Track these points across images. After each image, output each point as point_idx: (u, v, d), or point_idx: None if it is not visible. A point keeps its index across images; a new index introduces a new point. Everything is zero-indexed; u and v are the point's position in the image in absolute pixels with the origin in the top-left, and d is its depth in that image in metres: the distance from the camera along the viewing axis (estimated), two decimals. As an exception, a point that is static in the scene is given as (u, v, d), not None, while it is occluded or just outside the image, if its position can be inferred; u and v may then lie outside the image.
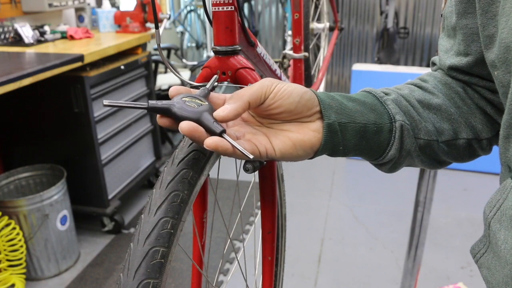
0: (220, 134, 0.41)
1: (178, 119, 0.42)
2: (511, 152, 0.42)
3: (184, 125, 0.40)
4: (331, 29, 1.49)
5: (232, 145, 0.41)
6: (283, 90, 0.44)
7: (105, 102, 0.41)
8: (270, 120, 0.46)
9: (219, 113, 0.42)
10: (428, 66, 4.08)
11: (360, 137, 0.47)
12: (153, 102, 0.42)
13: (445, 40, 0.57)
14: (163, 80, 3.55)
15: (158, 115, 0.43)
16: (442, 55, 0.57)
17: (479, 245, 0.46)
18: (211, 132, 0.41)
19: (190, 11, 4.95)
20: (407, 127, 0.49)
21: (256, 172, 0.60)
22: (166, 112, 0.42)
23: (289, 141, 0.44)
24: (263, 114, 0.46)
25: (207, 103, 0.43)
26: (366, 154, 0.50)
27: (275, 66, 0.78)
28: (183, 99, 0.43)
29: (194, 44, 5.03)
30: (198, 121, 0.42)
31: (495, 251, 0.42)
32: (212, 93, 0.47)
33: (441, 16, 0.60)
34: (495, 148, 0.53)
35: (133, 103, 0.42)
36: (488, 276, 0.43)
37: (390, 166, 0.51)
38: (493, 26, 0.44)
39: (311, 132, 0.45)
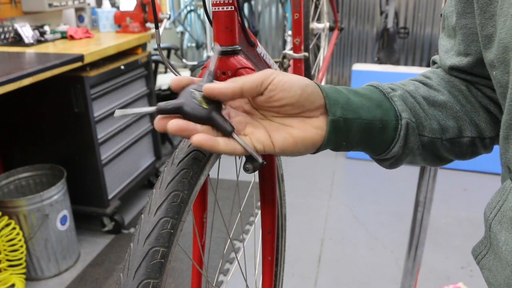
0: (230, 133, 0.42)
1: (189, 118, 0.41)
2: (511, 153, 0.42)
3: (173, 124, 0.39)
4: (331, 29, 1.49)
5: (241, 145, 0.42)
6: (284, 82, 0.43)
7: (117, 113, 0.40)
8: (272, 113, 0.45)
9: (207, 85, 0.41)
10: (428, 66, 4.08)
11: (364, 133, 0.46)
12: (162, 104, 0.41)
13: (445, 40, 0.57)
14: (163, 80, 3.55)
15: (160, 117, 0.41)
16: (443, 55, 0.56)
17: (480, 246, 0.45)
18: (221, 131, 0.42)
19: (190, 11, 4.95)
20: (413, 125, 0.48)
21: (256, 172, 0.60)
22: (177, 112, 0.41)
23: (290, 138, 0.43)
24: (265, 106, 0.44)
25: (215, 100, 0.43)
26: (369, 149, 0.49)
27: (275, 66, 0.78)
28: (193, 95, 0.42)
29: (194, 44, 5.03)
30: (208, 119, 0.41)
31: (496, 252, 0.42)
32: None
33: (441, 16, 0.59)
34: (496, 148, 0.53)
35: (142, 109, 0.41)
36: (489, 277, 0.43)
37: (391, 162, 0.51)
38: (491, 26, 0.44)
39: (313, 129, 0.44)
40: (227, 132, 0.42)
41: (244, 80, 0.42)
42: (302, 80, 0.44)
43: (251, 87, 0.42)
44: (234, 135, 0.42)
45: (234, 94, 0.42)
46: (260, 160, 0.42)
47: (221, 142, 0.41)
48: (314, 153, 0.47)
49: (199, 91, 0.42)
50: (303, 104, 0.44)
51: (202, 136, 0.39)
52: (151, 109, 0.41)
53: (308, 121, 0.44)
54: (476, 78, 0.53)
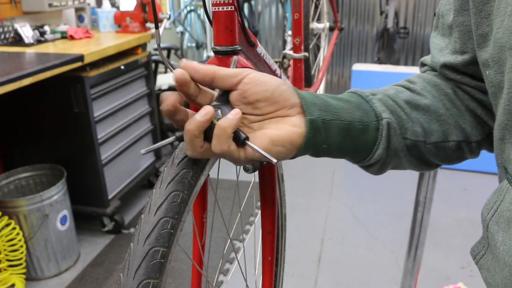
0: (243, 141, 0.42)
1: (208, 135, 0.42)
2: (507, 153, 0.42)
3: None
4: (331, 29, 1.49)
5: (257, 151, 0.42)
6: (259, 77, 0.43)
7: (143, 151, 0.44)
8: (250, 117, 0.45)
9: (183, 60, 0.43)
10: (428, 66, 4.06)
11: (345, 135, 0.46)
12: (180, 134, 0.43)
13: (438, 39, 0.56)
14: (163, 80, 3.55)
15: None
16: (436, 53, 0.56)
17: (479, 246, 0.45)
18: (234, 139, 0.42)
19: (190, 11, 4.95)
20: (394, 125, 0.48)
21: (256, 172, 0.60)
22: None
23: (266, 138, 0.43)
24: (240, 104, 0.44)
25: (225, 108, 0.44)
26: (352, 155, 0.48)
27: (275, 66, 0.78)
28: None
29: (194, 44, 5.03)
30: None
31: (494, 252, 0.42)
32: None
33: (434, 15, 0.59)
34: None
35: (164, 141, 0.44)
36: (488, 277, 0.43)
37: (379, 167, 0.50)
38: (486, 25, 0.44)
39: (289, 127, 0.43)
40: (241, 140, 0.42)
41: (219, 68, 0.43)
42: (278, 79, 0.45)
43: (224, 75, 0.43)
44: (249, 143, 0.42)
45: (205, 76, 0.43)
46: (274, 160, 0.43)
47: (242, 154, 0.43)
48: (294, 156, 0.45)
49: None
50: (277, 100, 0.43)
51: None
52: (171, 139, 0.44)
53: (284, 120, 0.44)
54: (466, 79, 0.53)
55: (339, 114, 0.45)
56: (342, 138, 0.45)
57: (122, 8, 2.98)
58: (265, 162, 0.50)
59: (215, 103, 0.44)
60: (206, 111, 0.41)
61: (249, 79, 0.43)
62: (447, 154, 0.52)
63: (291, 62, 1.07)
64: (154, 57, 2.98)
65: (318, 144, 0.45)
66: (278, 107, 0.44)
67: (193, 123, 0.41)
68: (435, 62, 0.56)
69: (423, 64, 0.61)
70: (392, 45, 4.13)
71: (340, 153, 0.47)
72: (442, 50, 0.55)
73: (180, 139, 0.43)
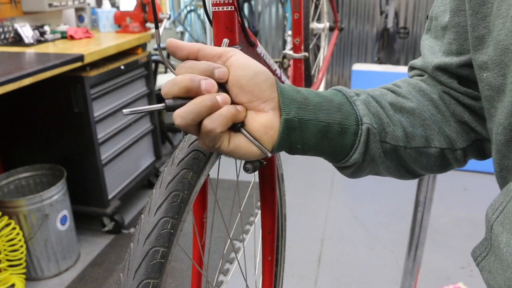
0: (239, 128, 0.42)
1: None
2: None
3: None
4: (331, 29, 1.49)
5: (251, 140, 0.41)
6: (241, 60, 0.41)
7: (125, 111, 0.40)
8: None
9: (169, 39, 0.43)
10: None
11: (321, 136, 0.44)
12: (170, 102, 0.40)
13: (431, 41, 0.56)
14: (163, 80, 3.55)
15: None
16: (429, 55, 0.55)
17: (480, 247, 0.45)
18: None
19: (190, 11, 4.95)
20: (374, 131, 0.46)
21: (256, 172, 0.60)
22: None
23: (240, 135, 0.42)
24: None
25: (221, 92, 0.42)
26: (327, 155, 0.47)
27: (275, 66, 0.78)
28: None
29: (194, 44, 5.03)
30: None
31: (497, 254, 0.41)
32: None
33: (427, 17, 0.59)
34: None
35: (150, 107, 0.41)
36: (489, 279, 0.43)
37: (353, 171, 0.49)
38: (483, 27, 0.44)
39: (261, 127, 0.42)
40: (237, 126, 0.42)
41: (204, 46, 0.42)
42: (259, 66, 0.42)
43: (209, 54, 0.42)
44: (243, 130, 0.42)
45: (189, 54, 0.42)
46: (268, 154, 0.42)
47: (225, 142, 0.41)
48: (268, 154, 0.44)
49: None
50: (252, 89, 0.41)
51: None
52: (160, 106, 0.41)
53: (257, 118, 0.42)
54: (455, 84, 0.52)
55: (317, 114, 0.43)
56: (319, 140, 0.44)
57: (122, 8, 2.98)
58: (265, 162, 0.50)
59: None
60: (226, 96, 0.40)
61: (230, 62, 0.42)
62: (429, 160, 0.51)
63: (291, 62, 1.07)
64: (154, 57, 2.98)
65: (292, 143, 0.44)
66: (251, 98, 0.42)
67: (208, 99, 0.39)
68: (427, 63, 0.55)
69: (412, 68, 0.59)
70: (392, 45, 4.13)
71: (315, 153, 0.46)
72: (435, 52, 0.54)
73: (170, 108, 0.40)
